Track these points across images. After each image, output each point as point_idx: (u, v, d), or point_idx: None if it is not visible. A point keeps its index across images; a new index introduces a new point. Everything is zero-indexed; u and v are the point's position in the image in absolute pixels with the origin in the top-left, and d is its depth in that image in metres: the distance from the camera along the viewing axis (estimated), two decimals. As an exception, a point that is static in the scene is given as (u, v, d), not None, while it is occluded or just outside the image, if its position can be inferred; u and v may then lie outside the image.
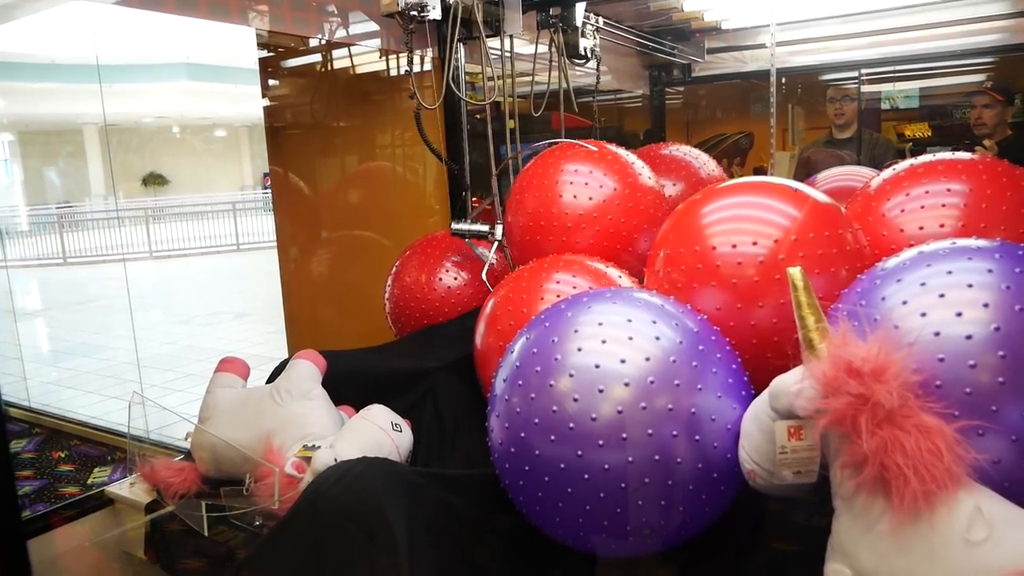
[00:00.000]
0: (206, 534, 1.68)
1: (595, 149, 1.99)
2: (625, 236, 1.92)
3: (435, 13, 2.05)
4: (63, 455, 3.27)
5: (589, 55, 2.69)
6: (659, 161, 2.50)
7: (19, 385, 4.67)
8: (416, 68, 2.06)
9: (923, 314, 0.96)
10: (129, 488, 1.98)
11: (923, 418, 0.87)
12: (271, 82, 2.99)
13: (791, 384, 0.96)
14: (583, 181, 1.94)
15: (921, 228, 1.40)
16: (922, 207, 1.42)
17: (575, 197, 1.92)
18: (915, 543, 0.85)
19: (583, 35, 2.58)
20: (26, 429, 3.62)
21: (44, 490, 2.91)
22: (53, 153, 19.41)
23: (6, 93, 14.47)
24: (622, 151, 2.07)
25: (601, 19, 2.77)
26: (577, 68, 2.80)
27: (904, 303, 0.99)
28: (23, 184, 17.65)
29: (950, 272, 0.97)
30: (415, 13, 2.01)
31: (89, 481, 2.96)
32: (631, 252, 1.92)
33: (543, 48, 2.54)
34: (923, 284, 0.99)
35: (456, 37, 2.14)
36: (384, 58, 2.74)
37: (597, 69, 2.78)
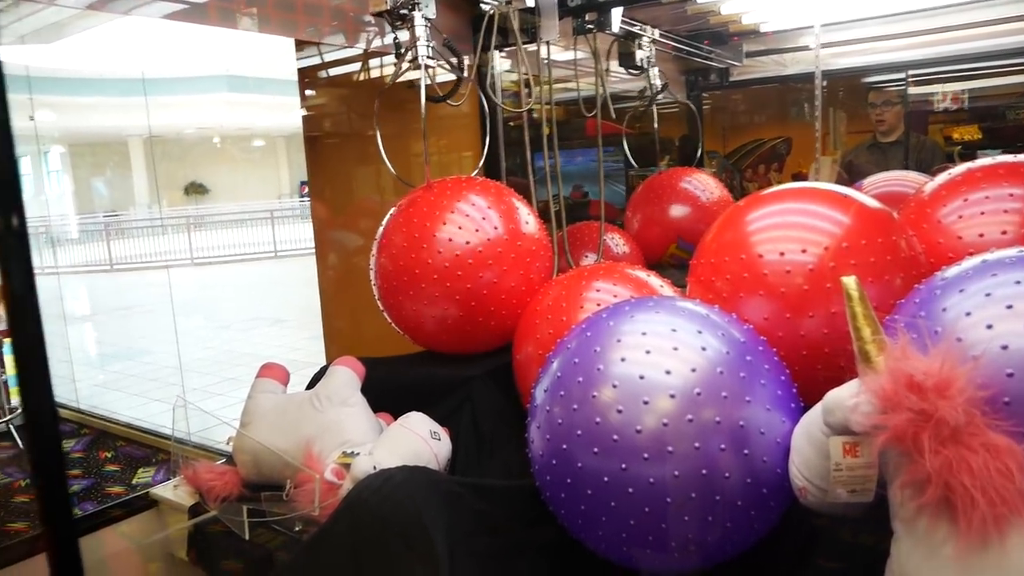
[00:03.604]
0: (247, 538, 1.70)
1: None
2: (500, 287, 1.81)
3: (429, 11, 1.95)
4: (109, 455, 3.35)
5: (645, 66, 2.70)
6: (671, 190, 2.85)
7: (69, 387, 4.80)
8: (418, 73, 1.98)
9: (989, 326, 0.90)
10: (173, 490, 2.01)
11: (991, 436, 0.82)
12: (308, 92, 3.02)
13: (846, 398, 0.92)
14: (460, 223, 1.81)
15: (981, 235, 1.33)
16: (982, 213, 1.35)
17: (450, 240, 1.78)
18: (984, 571, 0.80)
19: (639, 47, 2.59)
20: (75, 429, 3.73)
21: (92, 489, 2.98)
22: (100, 164, 20.02)
23: (57, 107, 14.96)
24: (510, 193, 1.98)
25: (657, 31, 2.77)
26: (613, 74, 2.79)
27: (968, 314, 0.94)
28: (73, 194, 18.22)
29: (1018, 282, 0.92)
30: (405, 11, 1.91)
31: (134, 481, 3.03)
32: (504, 302, 1.83)
33: (583, 54, 2.52)
34: (988, 295, 0.94)
35: (492, 44, 2.14)
36: (422, 67, 2.75)
37: (649, 81, 2.79)
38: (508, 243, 1.83)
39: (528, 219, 1.93)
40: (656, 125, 3.06)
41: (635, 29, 2.65)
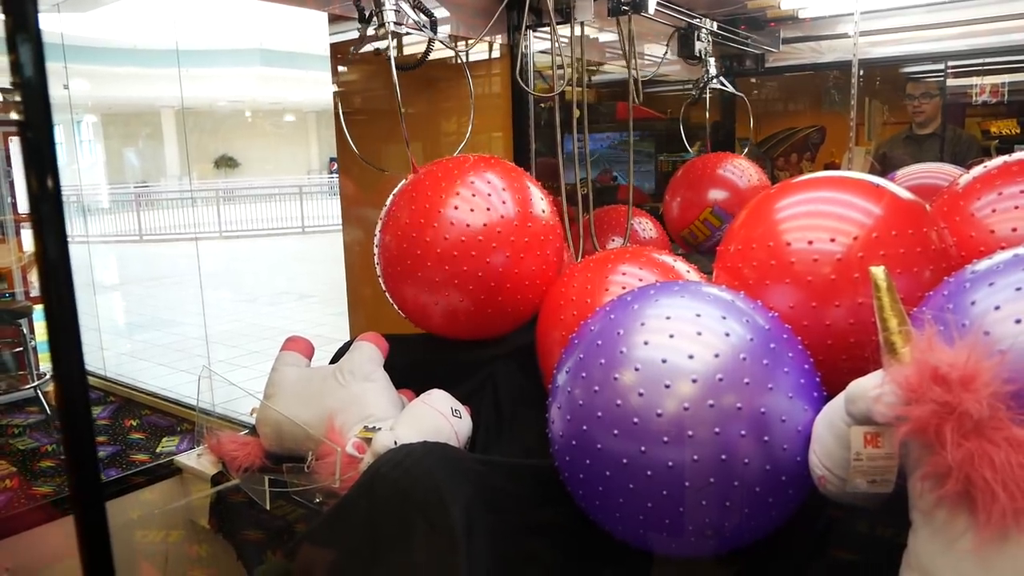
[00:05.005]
0: (268, 508, 1.73)
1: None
2: (507, 273, 1.74)
3: None
4: (135, 423, 3.42)
5: (703, 56, 2.76)
6: (711, 174, 2.85)
7: (96, 355, 4.89)
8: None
9: (1018, 320, 0.89)
10: (197, 459, 2.05)
11: (1015, 431, 0.81)
12: (340, 68, 3.02)
13: (870, 388, 0.92)
14: (467, 203, 1.73)
15: (1015, 230, 1.32)
16: (1016, 207, 1.33)
17: (451, 224, 1.70)
18: (1002, 564, 0.80)
19: (698, 38, 2.60)
20: (102, 397, 3.82)
21: (117, 456, 3.06)
22: (133, 135, 20.21)
23: (91, 77, 15.06)
24: (524, 175, 1.88)
25: (716, 24, 2.79)
26: (649, 58, 2.77)
27: (996, 308, 0.93)
28: (104, 164, 18.44)
29: (1050, 277, 0.91)
30: None
31: (158, 449, 3.10)
32: (513, 291, 1.77)
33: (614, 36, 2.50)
34: (1019, 289, 0.92)
35: (524, 23, 2.13)
36: (452, 44, 2.74)
37: (706, 71, 2.81)
38: (518, 227, 1.76)
39: (540, 202, 1.85)
40: (707, 113, 3.06)
41: (695, 21, 2.70)
